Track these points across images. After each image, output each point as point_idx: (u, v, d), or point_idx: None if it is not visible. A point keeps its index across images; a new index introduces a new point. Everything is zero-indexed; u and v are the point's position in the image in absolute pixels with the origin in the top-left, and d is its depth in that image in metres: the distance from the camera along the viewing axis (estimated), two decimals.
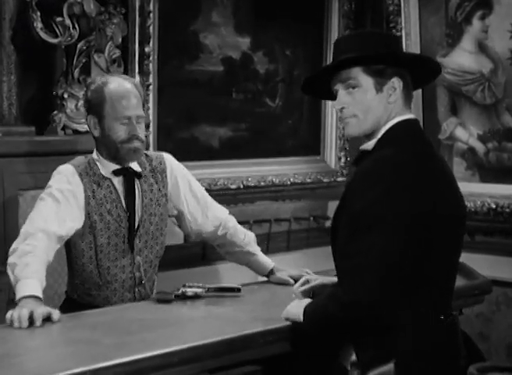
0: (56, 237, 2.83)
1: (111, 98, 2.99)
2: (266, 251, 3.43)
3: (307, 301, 2.52)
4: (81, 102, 3.62)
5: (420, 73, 2.46)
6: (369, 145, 2.42)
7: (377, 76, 2.38)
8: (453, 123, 4.60)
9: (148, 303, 2.93)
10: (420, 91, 4.48)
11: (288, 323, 2.52)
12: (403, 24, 4.64)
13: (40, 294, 2.60)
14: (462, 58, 4.53)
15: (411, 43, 4.63)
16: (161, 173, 3.15)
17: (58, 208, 2.89)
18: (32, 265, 2.66)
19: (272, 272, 3.25)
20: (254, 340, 2.47)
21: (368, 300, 2.23)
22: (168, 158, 3.22)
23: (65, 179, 2.97)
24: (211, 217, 3.26)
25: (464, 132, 4.56)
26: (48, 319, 2.52)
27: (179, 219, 3.26)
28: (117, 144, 2.98)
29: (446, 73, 4.51)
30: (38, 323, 2.47)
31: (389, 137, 2.38)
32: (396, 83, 2.39)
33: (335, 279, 2.49)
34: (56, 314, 2.54)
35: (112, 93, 2.99)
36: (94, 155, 3.08)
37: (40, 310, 2.51)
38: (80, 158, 3.09)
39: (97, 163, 3.05)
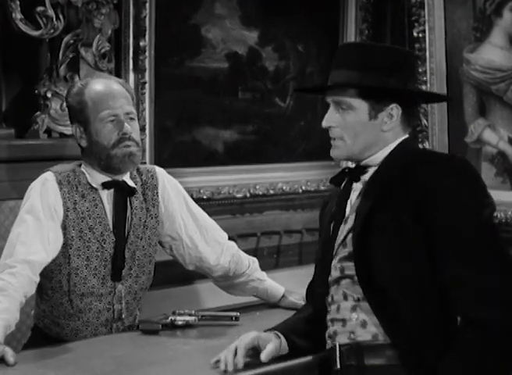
0: (41, 267, 2.53)
1: (92, 100, 2.69)
2: (276, 266, 3.24)
3: None
4: None
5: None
6: (371, 161, 2.24)
7: (373, 102, 2.20)
8: (482, 125, 4.45)
9: (130, 335, 2.64)
10: (445, 89, 4.40)
11: (290, 363, 2.24)
12: (426, 17, 4.47)
13: None
14: (492, 54, 4.37)
15: (435, 38, 4.47)
16: (152, 189, 2.82)
17: (41, 230, 2.57)
18: (1, 303, 2.36)
19: (283, 296, 2.99)
20: None
21: None
22: (161, 172, 2.90)
23: (44, 190, 2.65)
24: (212, 241, 2.93)
25: (494, 135, 4.41)
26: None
27: (174, 245, 2.91)
28: (108, 149, 2.66)
29: (474, 70, 4.40)
30: None
31: (398, 153, 2.24)
32: (394, 110, 2.22)
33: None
34: (10, 356, 2.24)
35: (94, 94, 2.70)
36: (82, 164, 2.78)
37: None
38: (63, 165, 2.78)
39: (85, 172, 2.73)
